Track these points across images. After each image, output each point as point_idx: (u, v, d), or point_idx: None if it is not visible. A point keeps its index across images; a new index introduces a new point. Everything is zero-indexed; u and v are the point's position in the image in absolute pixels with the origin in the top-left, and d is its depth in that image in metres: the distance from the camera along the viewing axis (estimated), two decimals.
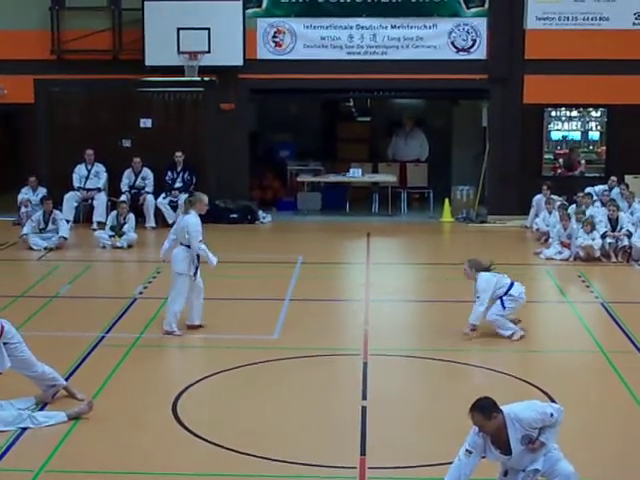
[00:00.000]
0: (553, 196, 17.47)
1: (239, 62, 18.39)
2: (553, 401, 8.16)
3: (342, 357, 10.22)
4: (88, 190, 18.45)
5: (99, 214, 18.06)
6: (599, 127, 19.29)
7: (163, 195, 18.48)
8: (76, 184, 18.46)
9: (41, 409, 8.43)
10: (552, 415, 6.34)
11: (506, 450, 6.29)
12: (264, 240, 17.74)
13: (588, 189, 17.61)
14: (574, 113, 19.25)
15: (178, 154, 18.59)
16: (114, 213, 16.72)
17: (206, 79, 18.65)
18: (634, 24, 18.67)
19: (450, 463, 6.38)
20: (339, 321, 11.90)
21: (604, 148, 19.27)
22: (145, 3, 18.19)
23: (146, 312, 11.88)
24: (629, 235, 15.41)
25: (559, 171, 19.29)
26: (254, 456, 7.51)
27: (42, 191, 17.99)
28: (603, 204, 16.66)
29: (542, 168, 19.27)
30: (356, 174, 19.74)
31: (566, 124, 19.29)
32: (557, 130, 19.29)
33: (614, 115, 19.00)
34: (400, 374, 9.86)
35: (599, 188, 17.76)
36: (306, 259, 15.09)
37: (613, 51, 18.48)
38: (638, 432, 8.12)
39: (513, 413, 6.28)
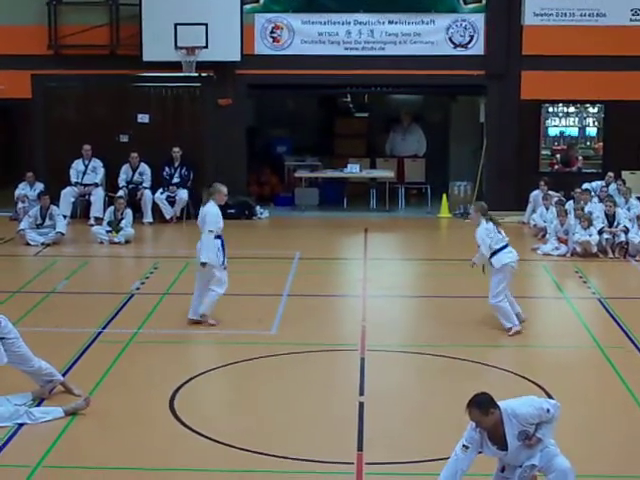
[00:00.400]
0: (550, 192, 17.48)
1: (237, 57, 18.38)
2: (550, 397, 8.18)
3: (339, 352, 10.23)
4: (85, 185, 18.43)
5: (96, 209, 18.05)
6: (596, 123, 19.30)
7: (161, 190, 18.47)
8: (73, 179, 18.45)
9: (38, 405, 8.43)
10: (549, 411, 6.34)
11: (503, 446, 6.30)
12: (262, 236, 17.75)
13: (585, 185, 17.63)
14: (571, 109, 19.27)
15: (175, 149, 18.58)
16: (111, 208, 16.71)
17: (204, 74, 18.63)
18: (631, 20, 18.69)
19: (447, 458, 6.38)
20: (336, 317, 11.91)
21: (601, 144, 19.29)
22: None
23: (143, 308, 11.88)
24: (626, 231, 15.43)
25: (556, 167, 19.31)
26: (252, 451, 7.52)
27: (39, 186, 17.97)
28: (600, 200, 16.67)
29: (539, 164, 19.29)
30: (354, 170, 19.75)
31: (563, 120, 19.30)
32: (554, 126, 19.31)
33: (611, 111, 19.02)
34: (397, 370, 9.87)
35: (596, 184, 17.78)
36: (304, 254, 15.09)
37: (610, 47, 18.49)
38: (635, 427, 8.14)
39: (510, 409, 6.29)
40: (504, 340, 10.68)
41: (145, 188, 18.40)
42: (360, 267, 14.61)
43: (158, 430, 8.02)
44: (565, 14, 18.68)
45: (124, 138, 18.98)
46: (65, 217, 17.03)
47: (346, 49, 18.95)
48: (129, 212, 16.62)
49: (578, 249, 15.24)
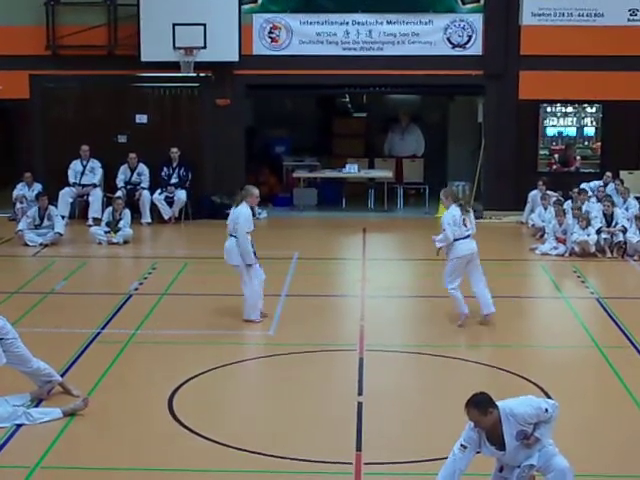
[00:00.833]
0: (548, 192, 17.48)
1: (235, 58, 18.37)
2: (548, 396, 8.18)
3: (338, 353, 10.23)
4: (83, 186, 18.42)
5: (95, 210, 18.03)
6: (594, 123, 19.30)
7: (159, 191, 18.46)
8: (71, 180, 18.44)
9: (36, 405, 8.43)
10: (547, 410, 6.35)
11: (501, 445, 6.30)
12: (260, 236, 17.55)
13: (583, 185, 17.62)
14: (569, 109, 19.27)
15: (174, 150, 18.57)
16: (110, 209, 16.70)
17: (202, 75, 18.62)
18: (629, 20, 18.69)
19: (445, 458, 6.39)
20: (335, 317, 11.91)
21: (599, 144, 19.29)
22: None
23: (142, 308, 11.88)
24: (624, 231, 15.44)
25: (554, 167, 19.31)
26: (250, 452, 7.52)
27: (37, 187, 17.95)
28: (598, 200, 16.68)
29: (537, 164, 19.29)
30: (352, 170, 19.75)
31: (561, 120, 19.30)
32: (552, 126, 19.31)
33: (609, 111, 19.02)
34: (396, 370, 9.87)
35: (594, 184, 17.78)
36: (302, 255, 15.09)
37: (608, 47, 18.49)
38: (633, 427, 8.14)
39: (508, 408, 6.29)
40: (501, 340, 10.69)
41: (143, 188, 18.39)
42: (359, 267, 14.61)
43: (157, 430, 8.02)
44: (563, 14, 18.68)
45: (122, 138, 18.97)
46: (63, 218, 17.02)
47: (344, 49, 18.94)
48: (127, 212, 16.62)
49: (576, 249, 15.25)
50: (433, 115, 22.69)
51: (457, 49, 18.87)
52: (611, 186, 17.54)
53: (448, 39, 18.86)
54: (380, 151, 21.85)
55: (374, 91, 20.63)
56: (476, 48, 18.85)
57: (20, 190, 18.16)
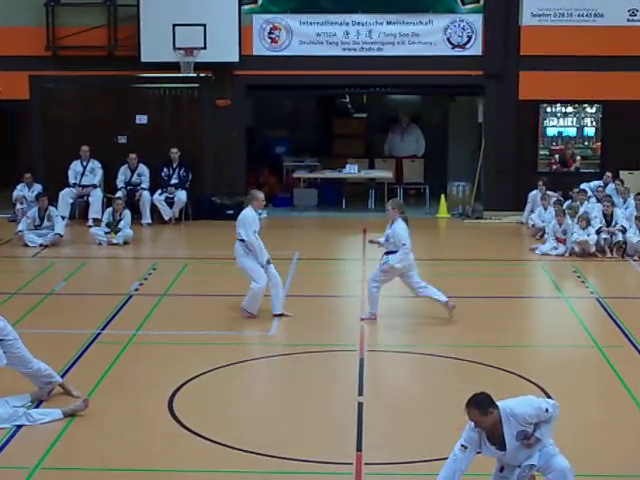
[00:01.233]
0: (548, 192, 17.48)
1: (235, 58, 18.38)
2: (549, 396, 8.18)
3: (338, 353, 10.22)
4: (84, 187, 18.43)
5: (95, 211, 18.04)
6: (594, 123, 19.31)
7: (159, 191, 18.46)
8: (72, 180, 18.45)
9: (37, 406, 8.43)
10: (547, 410, 6.35)
11: (501, 446, 6.30)
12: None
13: (583, 185, 17.63)
14: (569, 109, 19.27)
15: (174, 150, 18.58)
16: (110, 210, 16.70)
17: (202, 75, 18.63)
18: (628, 20, 18.69)
19: (446, 459, 6.39)
20: (336, 317, 11.91)
21: (599, 144, 19.30)
22: None
23: (142, 309, 11.88)
24: (623, 231, 15.44)
25: (554, 167, 19.31)
26: (250, 452, 7.51)
27: (37, 188, 17.96)
28: (598, 200, 16.68)
29: (537, 164, 19.29)
30: (352, 170, 19.75)
31: (561, 120, 19.31)
32: (552, 126, 19.31)
33: (609, 111, 19.03)
34: (396, 370, 9.88)
35: (594, 184, 17.78)
36: (302, 255, 15.09)
37: (608, 47, 18.50)
38: (633, 426, 8.14)
39: (508, 408, 6.29)
40: (501, 340, 10.69)
41: (143, 189, 18.40)
42: (359, 268, 14.61)
43: (157, 431, 8.02)
44: (563, 14, 18.68)
45: (122, 139, 18.98)
46: (63, 218, 17.03)
47: (344, 50, 18.95)
48: (127, 213, 16.62)
49: (576, 249, 15.25)
50: (433, 115, 22.70)
51: (457, 49, 18.88)
52: (611, 186, 17.54)
53: (448, 39, 18.86)
54: (380, 151, 21.85)
55: (374, 91, 20.64)
56: (476, 48, 18.85)
57: (20, 191, 18.17)
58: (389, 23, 18.88)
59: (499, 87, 18.95)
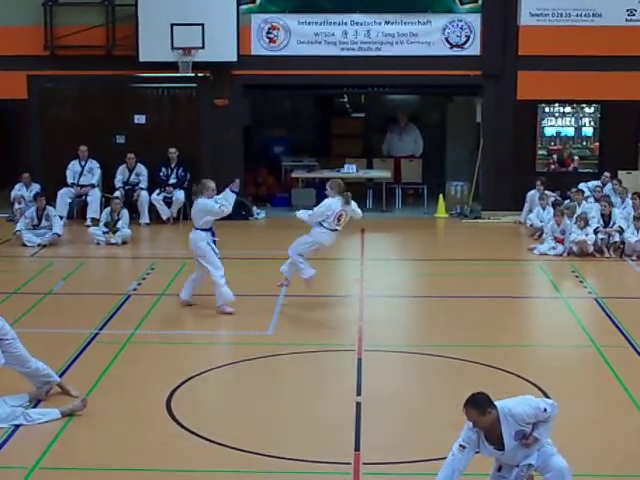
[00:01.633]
0: (547, 192, 17.49)
1: (233, 58, 18.37)
2: (547, 396, 8.19)
3: (336, 353, 10.23)
4: (82, 186, 18.42)
5: (93, 210, 18.03)
6: (592, 123, 19.31)
7: (157, 191, 18.45)
8: (70, 180, 18.43)
9: (35, 406, 8.42)
10: (546, 410, 6.35)
11: (499, 445, 6.30)
12: (258, 236, 17.74)
13: (581, 185, 17.64)
14: (567, 109, 19.28)
15: (172, 150, 18.57)
16: (108, 209, 16.69)
17: (200, 75, 18.62)
18: (627, 20, 18.68)
19: (444, 458, 6.39)
20: (333, 317, 11.89)
21: (597, 144, 19.30)
22: None
23: (140, 308, 11.88)
24: (620, 231, 15.44)
25: (553, 167, 19.32)
26: (248, 452, 7.52)
27: (36, 187, 17.95)
28: (596, 200, 16.68)
29: (536, 164, 19.29)
30: (350, 170, 19.73)
31: (559, 120, 19.31)
32: (551, 126, 19.31)
33: (607, 111, 19.03)
34: (395, 370, 9.87)
35: (592, 184, 17.79)
36: None
37: (606, 47, 18.49)
38: (632, 426, 8.14)
39: (507, 408, 6.30)
40: (499, 340, 10.69)
41: (142, 189, 18.39)
42: (357, 267, 14.61)
43: (155, 431, 8.02)
44: (561, 14, 18.69)
45: (120, 139, 18.97)
46: (61, 218, 17.02)
47: (342, 49, 18.94)
48: (125, 213, 16.61)
49: (574, 249, 15.26)
50: (431, 115, 22.70)
51: (455, 49, 18.88)
52: (609, 186, 17.55)
53: (446, 39, 18.86)
54: (378, 151, 21.85)
55: (372, 91, 20.65)
56: (474, 48, 18.85)
57: (18, 190, 18.16)
58: (387, 23, 18.88)
59: (497, 87, 18.95)
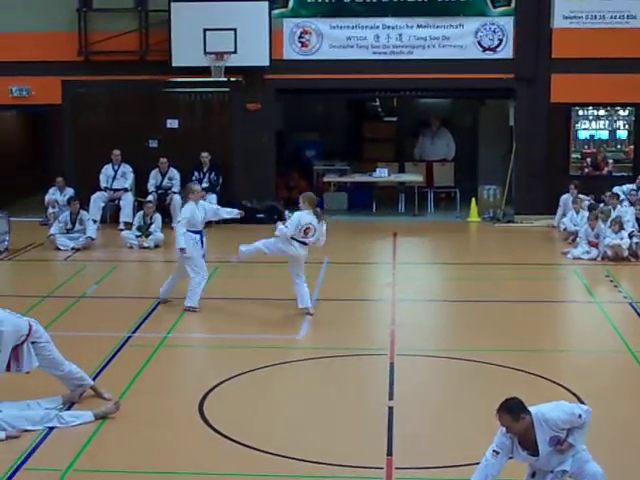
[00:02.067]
0: (580, 195, 17.36)
1: (265, 62, 18.42)
2: (581, 401, 8.10)
3: (368, 357, 10.20)
4: (115, 190, 18.53)
5: (126, 214, 18.13)
6: (627, 126, 19.15)
7: None
8: (103, 184, 18.55)
9: (68, 409, 8.47)
10: (580, 416, 6.29)
11: (534, 451, 6.25)
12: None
13: (615, 189, 17.48)
14: (601, 112, 19.13)
15: (204, 154, 18.64)
16: (141, 213, 16.78)
17: (232, 79, 18.68)
18: None
19: (477, 464, 6.35)
20: (365, 321, 11.88)
21: (632, 147, 19.14)
22: (172, 4, 18.30)
23: (172, 312, 11.91)
24: None
25: (586, 170, 19.17)
26: (280, 456, 7.51)
27: (69, 192, 18.08)
28: (631, 203, 16.54)
29: (569, 167, 19.16)
30: (382, 174, 19.71)
31: (593, 123, 19.17)
32: (584, 129, 19.18)
33: None
34: (427, 374, 9.83)
35: (627, 187, 17.64)
36: (332, 259, 15.05)
37: None
38: None
39: (541, 413, 6.24)
40: (533, 344, 10.61)
41: (174, 193, 18.46)
42: (389, 271, 14.57)
43: (187, 434, 8.03)
44: (595, 17, 18.55)
45: (153, 143, 19.07)
46: (95, 222, 17.13)
47: (374, 53, 18.92)
48: (158, 217, 16.69)
49: (609, 253, 15.12)
50: (464, 119, 22.62)
51: (488, 52, 18.80)
52: None
53: (479, 42, 18.79)
54: (410, 155, 21.80)
55: (404, 95, 20.58)
56: (507, 51, 18.77)
57: (52, 195, 18.30)
58: (419, 26, 18.84)
59: (530, 90, 18.84)
